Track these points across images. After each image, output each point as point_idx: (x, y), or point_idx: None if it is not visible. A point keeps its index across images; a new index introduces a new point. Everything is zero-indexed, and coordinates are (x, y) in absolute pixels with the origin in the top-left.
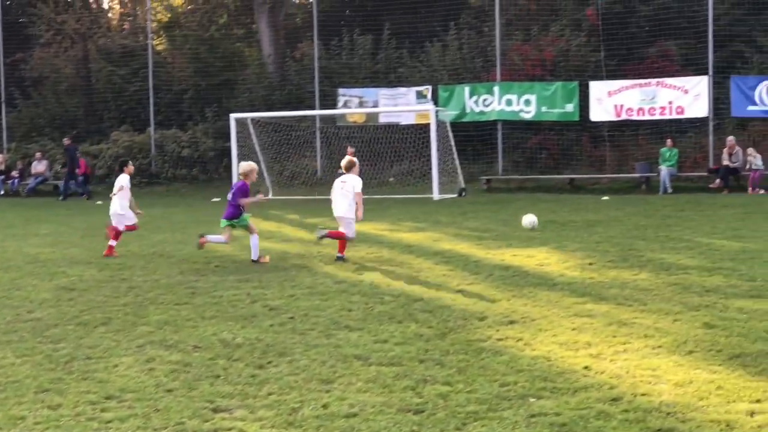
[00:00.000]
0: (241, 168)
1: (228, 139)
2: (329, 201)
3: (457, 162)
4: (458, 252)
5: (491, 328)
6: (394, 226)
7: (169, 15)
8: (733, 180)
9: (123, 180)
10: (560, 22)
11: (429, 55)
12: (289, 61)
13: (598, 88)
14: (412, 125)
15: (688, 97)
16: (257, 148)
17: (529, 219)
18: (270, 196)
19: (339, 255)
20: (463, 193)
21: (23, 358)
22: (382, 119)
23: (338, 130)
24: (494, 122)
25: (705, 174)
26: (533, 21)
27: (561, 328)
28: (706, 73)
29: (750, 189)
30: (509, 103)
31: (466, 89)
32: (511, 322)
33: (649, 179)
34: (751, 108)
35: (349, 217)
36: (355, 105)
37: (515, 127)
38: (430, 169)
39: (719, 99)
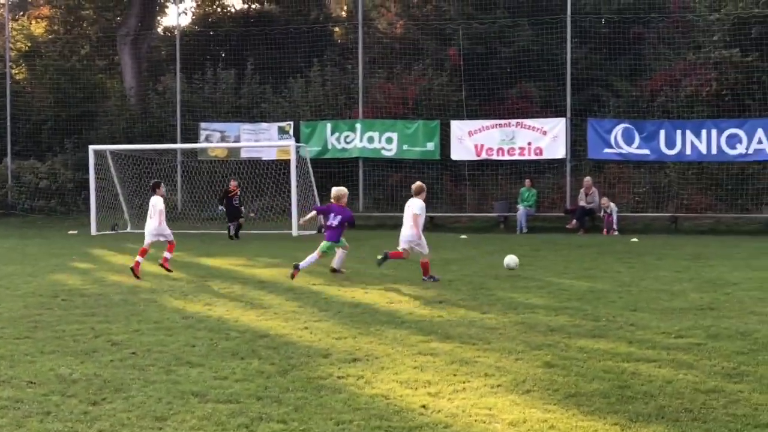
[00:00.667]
0: (336, 192)
1: (87, 171)
2: (188, 235)
3: (317, 198)
4: (310, 288)
5: (334, 365)
6: (249, 262)
7: (29, 44)
8: (589, 221)
9: (159, 202)
10: (423, 62)
11: (292, 90)
12: (152, 94)
13: (459, 128)
14: (274, 161)
15: (546, 138)
16: (116, 180)
17: (512, 259)
18: (128, 230)
19: (427, 277)
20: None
21: None
22: (244, 154)
23: (200, 164)
24: (356, 159)
25: (562, 214)
26: (396, 59)
27: (403, 366)
28: (564, 115)
29: (605, 230)
30: (371, 140)
31: (328, 126)
32: (355, 360)
33: (507, 218)
34: (607, 150)
35: (414, 240)
36: (216, 139)
37: (377, 164)
38: (290, 204)
39: (577, 141)
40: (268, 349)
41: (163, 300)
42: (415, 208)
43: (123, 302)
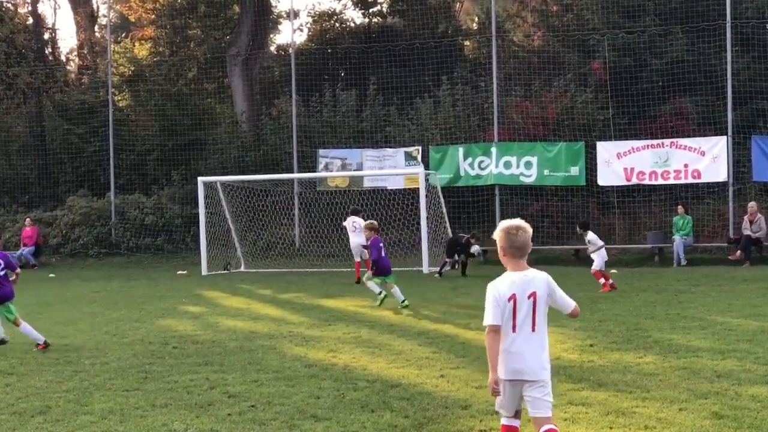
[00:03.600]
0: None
1: (196, 204)
2: (307, 274)
3: (449, 231)
4: (445, 332)
5: (474, 418)
6: (375, 303)
7: (132, 68)
8: (756, 251)
9: None
10: (564, 77)
11: (419, 112)
12: (265, 119)
13: (606, 149)
14: (401, 189)
15: (705, 159)
16: (228, 215)
17: None
18: (242, 269)
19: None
20: (456, 266)
21: None
22: (367, 183)
23: (319, 196)
24: (491, 187)
25: (724, 244)
26: (534, 75)
27: (552, 418)
28: (725, 133)
29: None
30: (508, 165)
31: (460, 150)
32: (497, 412)
33: (663, 250)
34: None
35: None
36: (337, 168)
37: (514, 192)
38: (420, 238)
39: (740, 161)
40: (400, 400)
41: (283, 347)
42: None
43: (239, 349)
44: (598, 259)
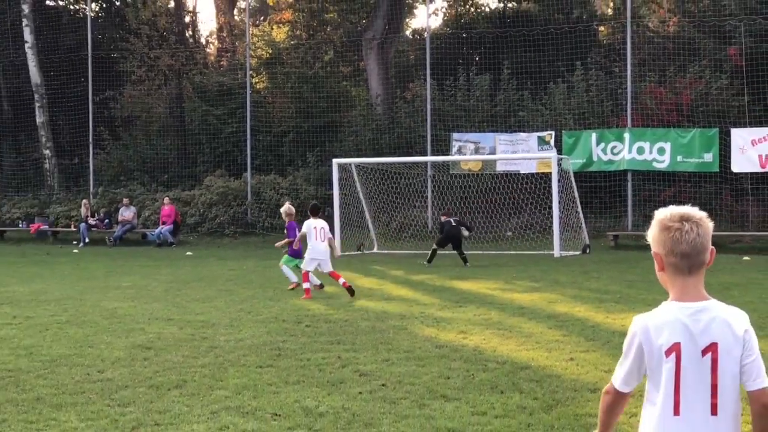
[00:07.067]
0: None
1: (330, 186)
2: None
3: (581, 216)
4: (575, 315)
5: None
6: (507, 285)
7: (270, 51)
8: None
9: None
10: (699, 63)
11: (552, 97)
12: (399, 103)
13: (740, 136)
14: (533, 174)
15: None
16: (362, 196)
17: None
18: (375, 250)
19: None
20: (588, 251)
21: (87, 422)
22: (500, 167)
23: (451, 179)
24: (624, 172)
25: None
26: (669, 61)
27: None
28: None
29: None
30: (641, 151)
31: (593, 135)
32: None
33: None
34: None
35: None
36: (470, 151)
37: (647, 177)
38: (551, 223)
39: None
40: (530, 382)
41: (414, 327)
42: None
43: (371, 329)
44: None
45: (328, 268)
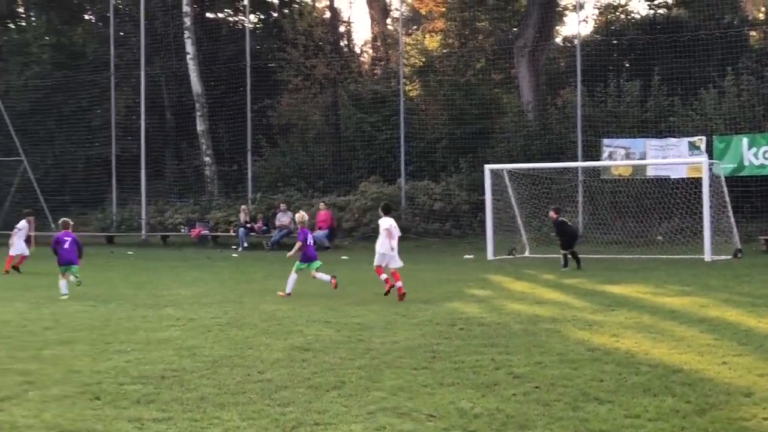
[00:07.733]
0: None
1: (482, 191)
2: (591, 260)
3: (732, 220)
4: (727, 320)
5: (758, 405)
6: (658, 289)
7: (423, 59)
8: None
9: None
10: None
11: (703, 102)
12: (550, 109)
13: None
14: (683, 179)
15: None
16: (513, 201)
17: None
18: (526, 254)
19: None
20: (739, 255)
21: (249, 421)
22: (650, 172)
23: (602, 184)
24: None
25: None
26: None
27: None
28: None
29: None
30: None
31: (745, 140)
32: None
33: None
34: None
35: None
36: (620, 156)
37: None
38: (702, 227)
39: None
40: (682, 386)
41: (567, 330)
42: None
43: (523, 332)
44: None
45: (395, 264)
